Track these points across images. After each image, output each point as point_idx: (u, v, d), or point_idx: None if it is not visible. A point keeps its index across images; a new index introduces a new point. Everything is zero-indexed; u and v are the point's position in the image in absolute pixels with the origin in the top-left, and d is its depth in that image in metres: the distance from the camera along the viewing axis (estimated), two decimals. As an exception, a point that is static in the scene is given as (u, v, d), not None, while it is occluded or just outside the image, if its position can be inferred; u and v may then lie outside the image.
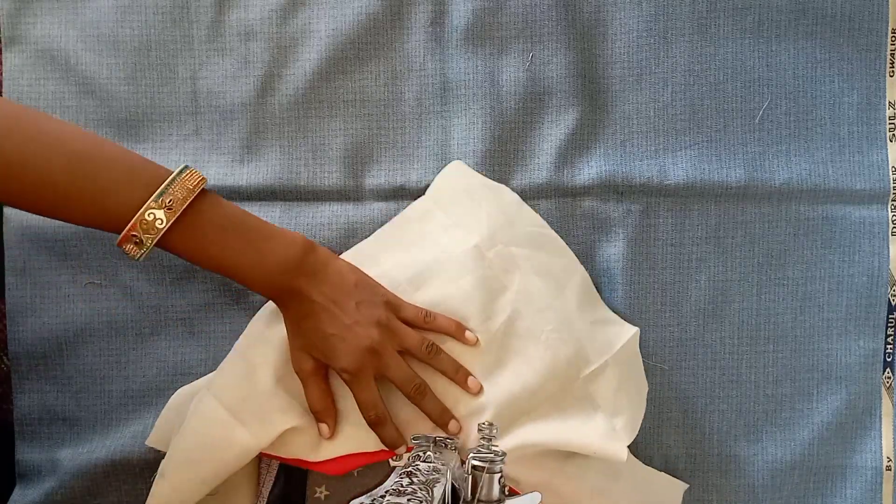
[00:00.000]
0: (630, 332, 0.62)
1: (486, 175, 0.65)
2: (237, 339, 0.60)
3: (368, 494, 0.41)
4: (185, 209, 0.51)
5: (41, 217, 0.63)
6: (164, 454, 0.56)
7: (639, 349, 0.63)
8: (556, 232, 0.65)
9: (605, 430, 0.57)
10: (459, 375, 0.57)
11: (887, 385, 0.67)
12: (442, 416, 0.57)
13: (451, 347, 0.59)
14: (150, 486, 0.55)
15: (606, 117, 0.66)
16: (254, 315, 0.63)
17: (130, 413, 0.64)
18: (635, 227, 0.65)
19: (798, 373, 0.66)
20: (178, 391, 0.60)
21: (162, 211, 0.50)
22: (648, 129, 0.66)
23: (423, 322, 0.58)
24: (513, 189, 0.65)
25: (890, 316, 0.66)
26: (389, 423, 0.56)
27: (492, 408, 0.57)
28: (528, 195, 0.65)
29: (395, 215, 0.65)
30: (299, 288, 0.54)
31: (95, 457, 0.62)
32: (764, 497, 0.66)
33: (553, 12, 0.65)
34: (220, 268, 0.53)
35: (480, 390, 0.57)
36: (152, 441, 0.60)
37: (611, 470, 0.59)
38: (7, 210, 0.64)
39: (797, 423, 0.66)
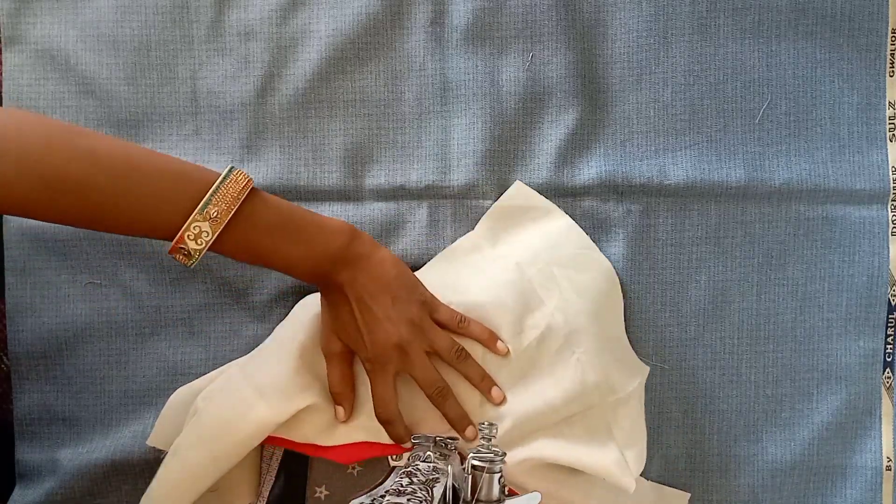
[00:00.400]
0: (646, 370, 0.63)
1: (486, 175, 0.65)
2: (237, 339, 0.61)
3: (368, 494, 0.41)
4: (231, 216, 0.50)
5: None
6: (165, 454, 0.56)
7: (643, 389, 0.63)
8: (556, 232, 0.65)
9: (617, 460, 0.57)
10: (484, 384, 0.57)
11: (887, 385, 0.67)
12: (461, 422, 0.57)
13: (477, 353, 0.59)
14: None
15: (606, 117, 0.66)
16: (253, 315, 0.63)
17: (130, 413, 0.64)
18: (635, 227, 0.65)
19: (798, 373, 0.66)
20: (177, 391, 0.60)
21: (207, 223, 0.49)
22: (648, 129, 0.66)
23: (457, 326, 0.58)
24: (513, 189, 0.65)
25: (890, 316, 0.66)
26: (399, 422, 0.56)
27: (510, 419, 0.57)
28: (528, 195, 0.65)
29: (395, 215, 0.65)
30: (340, 278, 0.54)
31: (95, 457, 0.62)
32: (764, 497, 0.66)
33: (553, 12, 0.65)
34: (268, 264, 0.53)
35: (503, 401, 0.57)
36: (153, 440, 0.60)
37: (616, 486, 0.59)
38: (7, 210, 0.64)
39: (797, 423, 0.66)
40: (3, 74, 0.64)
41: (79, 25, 0.64)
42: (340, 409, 0.57)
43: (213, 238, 0.49)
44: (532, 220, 0.65)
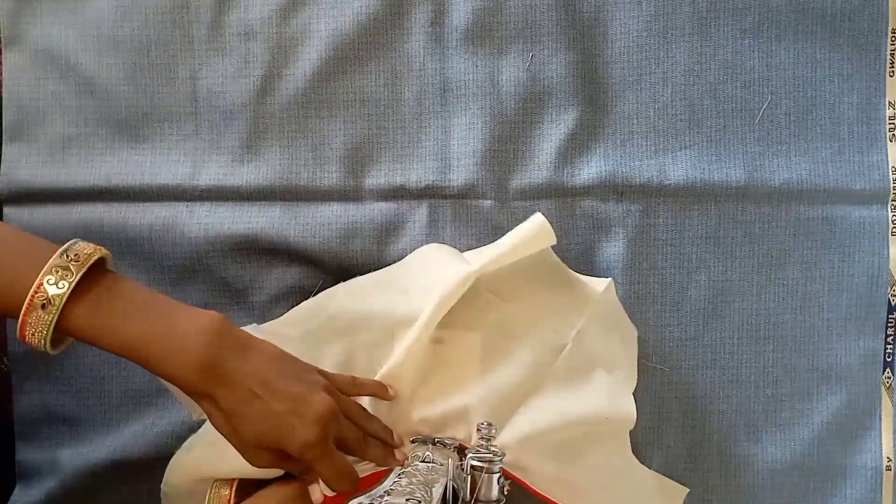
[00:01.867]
0: (603, 283, 0.62)
1: (486, 175, 0.65)
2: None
3: (368, 494, 0.41)
4: (85, 279, 0.45)
5: (41, 217, 0.63)
6: (164, 453, 0.56)
7: (615, 295, 0.63)
8: (556, 232, 0.65)
9: (609, 388, 0.57)
10: (389, 437, 0.56)
11: (887, 385, 0.67)
12: (385, 458, 0.54)
13: (449, 342, 0.59)
14: (155, 485, 0.55)
15: (606, 117, 0.66)
16: (253, 315, 0.63)
17: (130, 413, 0.64)
18: (635, 227, 0.65)
19: (798, 373, 0.66)
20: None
21: (69, 263, 0.44)
22: (648, 129, 0.66)
23: (353, 387, 0.55)
24: (513, 189, 0.65)
25: (890, 316, 0.66)
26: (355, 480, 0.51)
27: (483, 404, 0.57)
28: (528, 195, 0.65)
29: (395, 215, 0.65)
30: (228, 359, 0.46)
31: (95, 457, 0.62)
32: (764, 497, 0.66)
33: (553, 12, 0.65)
34: (131, 347, 0.45)
35: (404, 458, 0.55)
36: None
37: (619, 468, 0.59)
38: (7, 209, 0.64)
39: (797, 423, 0.66)
40: (3, 74, 0.64)
41: (79, 25, 0.64)
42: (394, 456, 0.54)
43: (77, 278, 0.44)
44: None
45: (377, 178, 0.66)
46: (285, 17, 0.65)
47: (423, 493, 0.41)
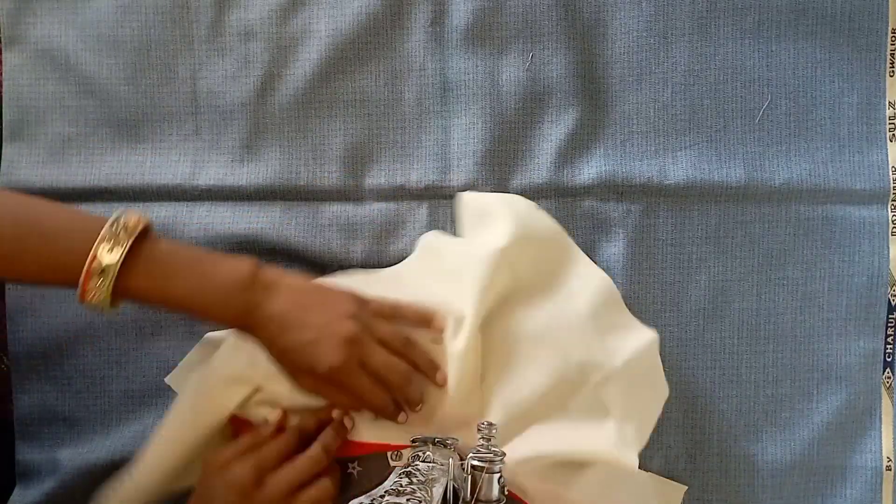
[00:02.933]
0: (647, 336, 0.61)
1: (486, 175, 0.65)
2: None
3: (368, 494, 0.41)
4: (135, 246, 0.50)
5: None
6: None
7: (658, 354, 0.61)
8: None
9: (616, 438, 0.57)
10: (431, 368, 0.57)
11: (887, 385, 0.67)
12: (433, 370, 0.57)
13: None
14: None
15: (606, 117, 0.66)
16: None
17: (130, 413, 0.64)
18: (635, 227, 0.65)
19: (798, 373, 0.66)
20: (206, 335, 0.61)
21: (121, 232, 0.49)
22: (648, 129, 0.66)
23: (391, 313, 0.57)
24: (513, 189, 0.65)
25: (890, 316, 0.66)
26: (390, 403, 0.56)
27: (500, 410, 0.57)
28: (529, 195, 0.65)
29: (395, 215, 0.65)
30: (259, 302, 0.52)
31: (95, 457, 0.62)
32: (764, 497, 0.66)
33: (553, 12, 0.65)
34: (179, 302, 0.51)
35: (446, 382, 0.57)
36: (171, 379, 0.62)
37: (615, 480, 0.59)
38: (7, 210, 0.64)
39: (797, 423, 0.66)
40: (3, 74, 0.64)
41: (79, 25, 0.64)
42: (402, 414, 0.56)
43: (129, 245, 0.49)
44: (498, 208, 0.63)
45: (377, 178, 0.66)
46: (285, 17, 0.65)
47: (423, 492, 0.41)
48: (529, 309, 0.60)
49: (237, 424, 0.58)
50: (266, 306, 0.52)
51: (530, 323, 0.60)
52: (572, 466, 0.58)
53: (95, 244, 0.49)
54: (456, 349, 0.57)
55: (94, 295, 0.49)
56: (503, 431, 0.56)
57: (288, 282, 0.54)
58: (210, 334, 0.61)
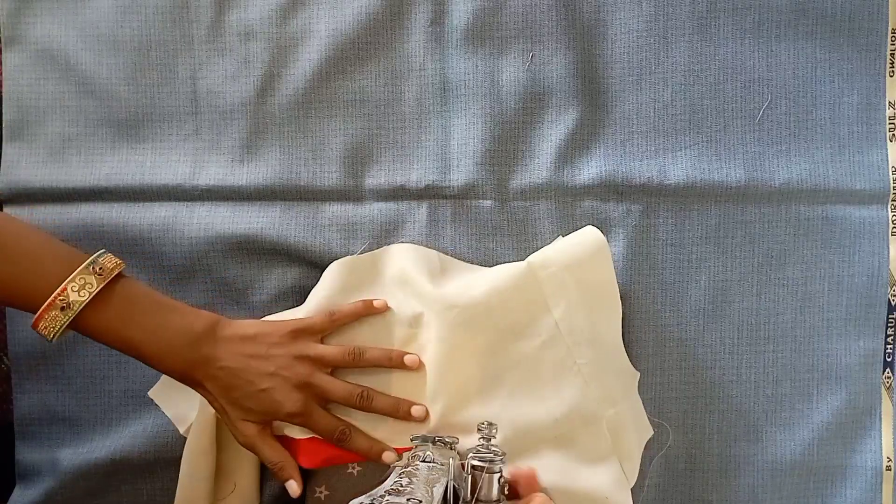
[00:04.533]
0: (636, 374, 0.63)
1: (486, 175, 0.65)
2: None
3: (368, 494, 0.41)
4: (103, 287, 0.51)
5: (41, 217, 0.63)
6: (164, 453, 0.56)
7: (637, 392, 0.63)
8: (556, 232, 0.65)
9: (617, 477, 0.58)
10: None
11: (887, 385, 0.67)
12: (399, 409, 0.57)
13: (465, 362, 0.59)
14: (155, 485, 0.55)
15: (606, 117, 0.66)
16: (253, 315, 0.63)
17: (130, 413, 0.64)
18: (635, 227, 0.65)
19: (798, 373, 0.66)
20: None
21: (93, 276, 0.50)
22: (648, 129, 0.66)
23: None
24: (513, 189, 0.65)
25: (890, 316, 0.66)
26: (358, 434, 0.57)
27: (510, 427, 0.57)
28: (529, 195, 0.65)
29: (395, 215, 0.65)
30: (208, 356, 0.54)
31: (95, 457, 0.62)
32: (764, 497, 0.66)
33: (553, 12, 0.65)
34: (127, 344, 0.52)
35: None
36: (154, 393, 0.62)
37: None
38: (7, 209, 0.64)
39: (797, 423, 0.66)
40: (3, 74, 0.64)
41: (79, 25, 0.64)
42: (293, 483, 0.57)
43: (98, 290, 0.50)
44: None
45: (377, 178, 0.66)
46: (285, 17, 0.65)
47: (424, 492, 0.41)
48: (559, 331, 0.60)
49: None
50: (216, 357, 0.54)
51: (557, 346, 0.60)
52: (567, 494, 0.58)
53: (67, 280, 0.50)
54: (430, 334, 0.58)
55: (47, 326, 0.50)
56: (508, 447, 0.56)
57: (233, 330, 0.55)
58: None
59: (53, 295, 0.49)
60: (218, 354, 0.54)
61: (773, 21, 0.66)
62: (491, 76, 0.65)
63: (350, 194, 0.65)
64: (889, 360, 0.66)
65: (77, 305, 0.50)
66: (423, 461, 0.50)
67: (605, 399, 0.59)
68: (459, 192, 0.65)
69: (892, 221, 0.66)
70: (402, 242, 0.65)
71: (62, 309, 0.50)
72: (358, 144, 0.65)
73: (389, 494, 0.41)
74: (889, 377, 0.67)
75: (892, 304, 0.66)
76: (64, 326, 0.50)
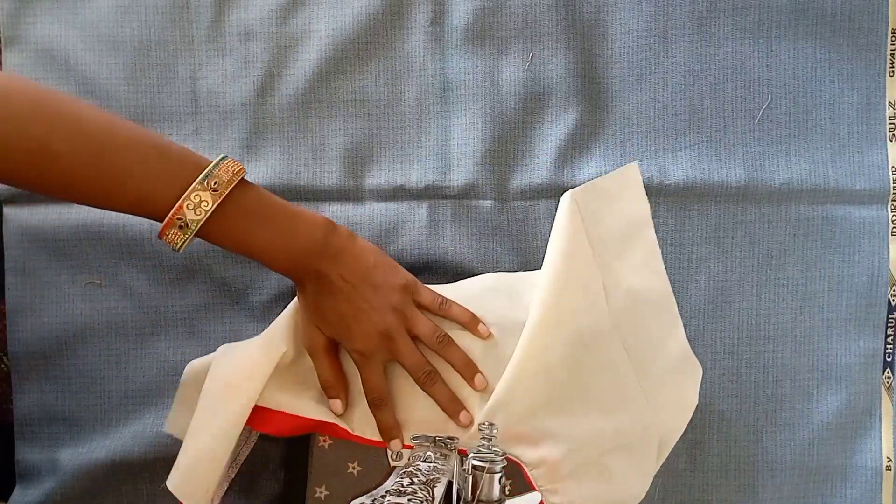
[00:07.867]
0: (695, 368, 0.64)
1: (486, 175, 0.65)
2: (237, 339, 0.60)
3: (368, 494, 0.41)
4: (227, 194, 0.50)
5: (41, 217, 0.63)
6: (164, 453, 0.56)
7: None
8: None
9: (645, 488, 0.60)
10: (468, 370, 0.57)
11: (887, 385, 0.67)
12: (452, 405, 0.57)
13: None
14: (155, 486, 0.55)
15: (606, 117, 0.66)
16: (253, 315, 0.63)
17: (130, 413, 0.64)
18: (635, 227, 0.65)
19: (798, 373, 0.66)
20: (189, 364, 0.58)
21: (208, 193, 0.49)
22: (648, 129, 0.66)
23: (438, 309, 0.58)
24: (513, 189, 0.65)
25: (890, 316, 0.66)
26: (390, 408, 0.57)
27: (565, 445, 0.57)
28: (529, 195, 0.65)
29: (394, 215, 0.65)
30: (320, 269, 0.54)
31: (95, 457, 0.62)
32: (764, 497, 0.66)
33: (553, 12, 0.65)
34: (248, 252, 0.53)
35: (486, 388, 0.57)
36: (170, 427, 0.59)
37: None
38: (7, 210, 0.64)
39: (797, 423, 0.66)
40: (3, 74, 0.64)
41: (79, 25, 0.64)
42: (336, 402, 0.57)
43: (213, 208, 0.49)
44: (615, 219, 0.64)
45: (377, 178, 0.66)
46: (285, 17, 0.65)
47: (425, 492, 0.41)
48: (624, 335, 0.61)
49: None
50: (325, 272, 0.54)
51: (619, 351, 0.60)
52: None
53: (182, 199, 0.49)
54: (513, 357, 0.57)
55: (171, 240, 0.50)
56: (564, 470, 0.56)
57: (355, 250, 0.56)
58: (188, 369, 0.59)
59: (171, 214, 0.49)
60: (329, 270, 0.54)
61: (773, 21, 0.66)
62: (491, 76, 0.65)
63: (350, 194, 0.65)
64: (889, 360, 0.67)
65: (195, 224, 0.49)
66: (424, 461, 0.50)
67: (636, 417, 0.60)
68: (459, 192, 0.65)
69: (892, 221, 0.66)
70: (404, 243, 0.65)
71: (181, 227, 0.49)
72: (358, 144, 0.65)
73: (390, 494, 0.41)
74: (889, 377, 0.67)
75: (893, 304, 0.66)
76: (187, 242, 0.50)
